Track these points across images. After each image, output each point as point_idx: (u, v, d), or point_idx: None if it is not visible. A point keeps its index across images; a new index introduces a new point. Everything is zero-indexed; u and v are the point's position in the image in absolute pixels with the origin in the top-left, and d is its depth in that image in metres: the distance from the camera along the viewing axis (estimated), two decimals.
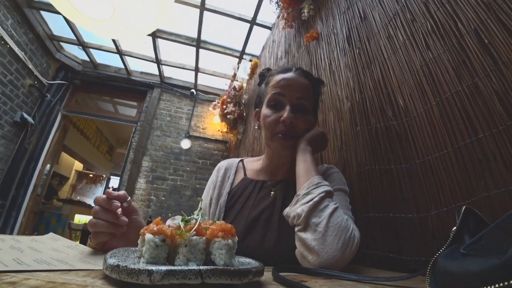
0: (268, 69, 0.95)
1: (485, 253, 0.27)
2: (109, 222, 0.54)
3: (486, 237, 0.29)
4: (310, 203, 0.63)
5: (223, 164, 0.97)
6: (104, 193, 0.56)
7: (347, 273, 0.55)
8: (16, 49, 3.21)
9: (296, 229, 0.65)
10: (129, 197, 0.59)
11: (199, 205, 0.50)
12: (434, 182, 0.70)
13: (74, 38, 3.65)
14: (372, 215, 0.87)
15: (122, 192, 0.58)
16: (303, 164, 0.74)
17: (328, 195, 0.65)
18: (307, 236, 0.61)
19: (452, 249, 0.35)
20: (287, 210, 0.69)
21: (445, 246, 0.36)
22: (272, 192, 0.84)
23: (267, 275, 0.47)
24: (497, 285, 0.21)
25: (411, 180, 0.78)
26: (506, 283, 0.20)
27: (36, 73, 3.64)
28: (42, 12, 3.41)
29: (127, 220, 0.57)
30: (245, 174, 0.93)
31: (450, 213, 0.65)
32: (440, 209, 0.68)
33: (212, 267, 0.33)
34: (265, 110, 0.83)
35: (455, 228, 0.37)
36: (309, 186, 0.68)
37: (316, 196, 0.64)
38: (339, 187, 0.78)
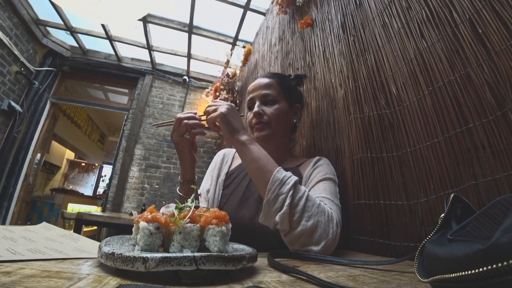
0: None
1: (471, 239, 0.28)
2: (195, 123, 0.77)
3: (472, 224, 0.30)
4: (285, 208, 0.63)
5: (223, 151, 1.13)
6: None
7: (338, 257, 0.57)
8: (0, 34, 3.09)
9: (282, 234, 0.67)
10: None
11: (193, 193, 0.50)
12: (424, 170, 0.72)
13: (61, 22, 3.52)
14: (363, 202, 0.89)
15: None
16: (252, 163, 0.71)
17: (295, 185, 0.66)
18: (297, 232, 0.64)
19: (439, 235, 0.36)
20: (262, 219, 0.69)
21: (433, 232, 0.37)
22: None
23: (260, 260, 0.48)
24: (479, 269, 0.22)
25: (402, 168, 0.79)
26: (489, 267, 0.21)
27: (22, 59, 3.52)
28: None
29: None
30: None
31: (439, 201, 0.67)
32: (429, 196, 0.69)
33: (206, 253, 0.34)
34: (247, 114, 1.01)
35: (443, 215, 0.38)
36: (274, 188, 0.66)
37: (286, 196, 0.64)
38: (329, 176, 0.85)
